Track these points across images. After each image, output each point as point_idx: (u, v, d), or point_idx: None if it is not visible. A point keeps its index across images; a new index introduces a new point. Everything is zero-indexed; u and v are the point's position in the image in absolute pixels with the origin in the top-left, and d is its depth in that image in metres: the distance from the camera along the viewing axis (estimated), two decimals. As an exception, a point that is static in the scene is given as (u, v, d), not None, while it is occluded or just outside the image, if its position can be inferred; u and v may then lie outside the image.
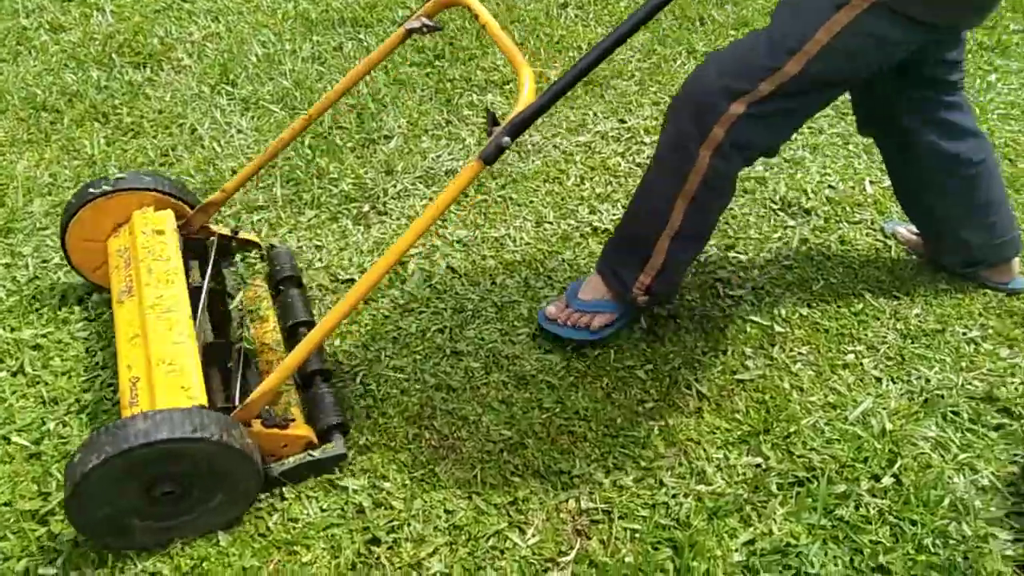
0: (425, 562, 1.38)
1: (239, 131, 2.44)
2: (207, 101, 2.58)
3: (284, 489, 1.47)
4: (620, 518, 1.46)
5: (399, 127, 2.50)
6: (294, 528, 1.42)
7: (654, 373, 1.74)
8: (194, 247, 1.80)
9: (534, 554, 1.41)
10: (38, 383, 1.67)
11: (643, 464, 1.56)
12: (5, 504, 1.45)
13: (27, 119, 2.47)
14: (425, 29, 1.60)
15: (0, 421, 1.59)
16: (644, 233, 1.67)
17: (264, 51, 2.85)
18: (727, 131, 1.49)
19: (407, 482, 1.51)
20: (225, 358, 1.56)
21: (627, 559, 1.39)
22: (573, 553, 1.41)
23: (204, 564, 1.36)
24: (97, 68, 2.71)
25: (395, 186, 2.25)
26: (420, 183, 2.28)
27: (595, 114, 2.62)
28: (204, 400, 1.36)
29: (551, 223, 2.14)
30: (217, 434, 1.26)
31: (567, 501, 1.49)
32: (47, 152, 2.33)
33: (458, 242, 2.08)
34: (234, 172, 2.27)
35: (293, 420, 1.47)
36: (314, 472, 1.49)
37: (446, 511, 1.46)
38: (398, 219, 2.15)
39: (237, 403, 1.43)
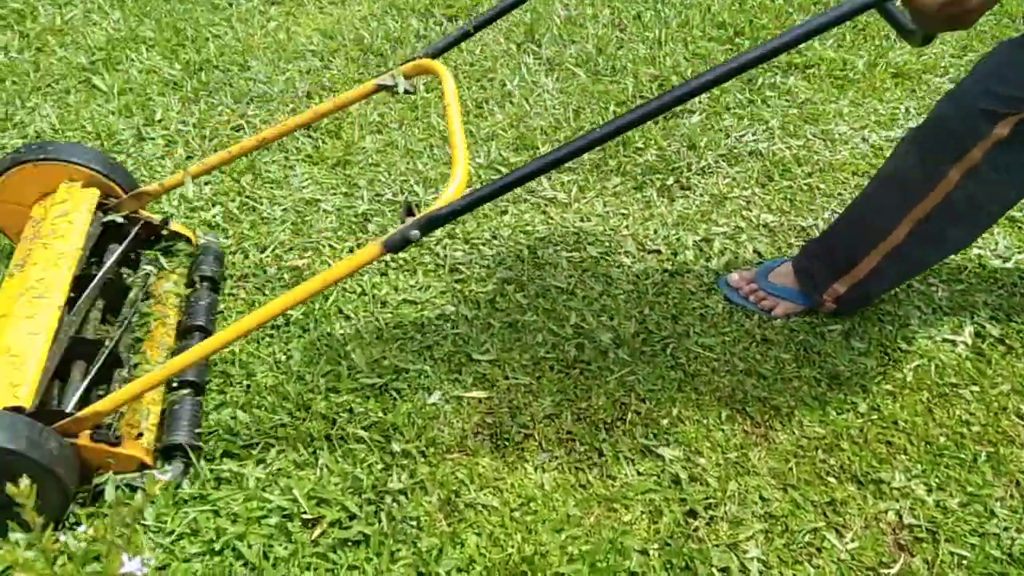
0: (742, 544, 1.38)
1: (545, 91, 2.51)
2: (514, 58, 2.67)
3: (602, 445, 1.52)
4: (946, 541, 1.40)
5: (700, 103, 2.47)
6: (612, 486, 1.47)
7: (980, 395, 1.64)
8: (119, 234, 1.72)
9: (853, 559, 1.37)
10: None
11: (969, 489, 1.47)
12: None
13: (356, 60, 2.66)
14: (395, 88, 1.55)
15: None
16: (856, 244, 1.64)
17: (567, 13, 2.90)
18: (986, 153, 1.39)
19: (721, 462, 1.51)
20: (91, 356, 1.47)
21: (957, 586, 1.33)
22: (896, 567, 1.36)
23: (531, 504, 1.44)
24: (415, 17, 2.88)
25: (699, 162, 2.23)
26: (723, 161, 2.25)
27: (907, 110, 2.46)
28: (28, 403, 1.28)
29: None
30: (13, 443, 1.18)
31: (887, 512, 1.44)
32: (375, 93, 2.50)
33: (764, 226, 2.04)
34: (543, 131, 2.34)
35: (121, 438, 1.38)
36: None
37: (761, 498, 1.46)
38: (701, 195, 2.13)
39: (72, 410, 1.34)
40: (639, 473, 1.49)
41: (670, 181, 2.18)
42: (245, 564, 1.33)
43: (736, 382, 1.65)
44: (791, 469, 1.50)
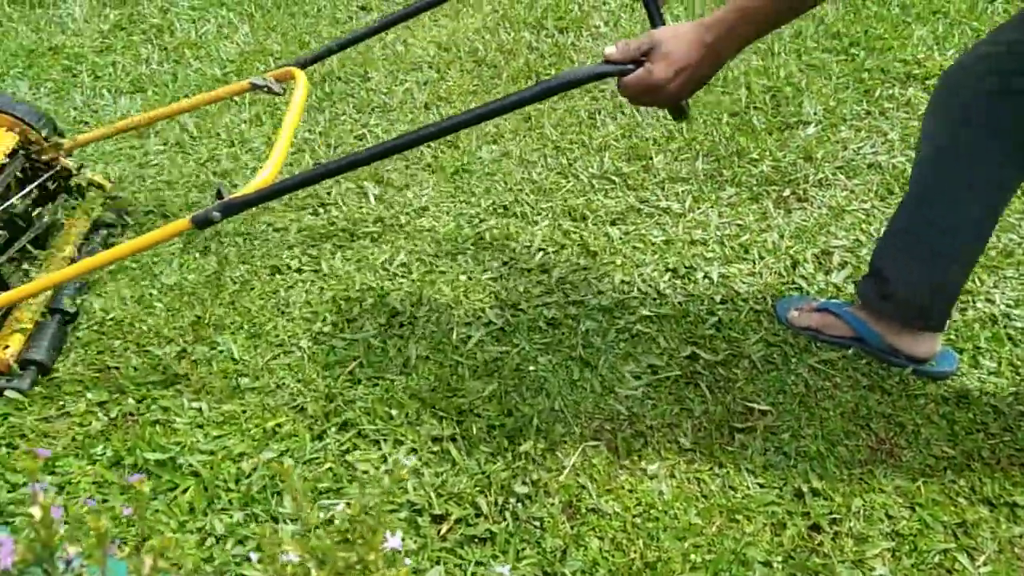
0: (869, 562, 1.37)
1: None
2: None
3: (724, 457, 1.53)
4: (1087, 570, 1.35)
5: (815, 113, 2.44)
6: (734, 496, 1.48)
7: (1122, 421, 1.57)
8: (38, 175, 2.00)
9: (986, 583, 1.34)
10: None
11: (1112, 518, 1.42)
12: None
13: (471, 71, 2.74)
14: (267, 89, 1.80)
15: None
16: None
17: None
18: None
19: (845, 477, 1.50)
20: None
21: (1100, 617, 1.29)
22: (1033, 594, 1.33)
23: (652, 511, 1.46)
24: (528, 30, 2.94)
25: (815, 174, 2.21)
26: (841, 173, 2.22)
27: None
28: None
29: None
30: None
31: (1021, 537, 1.40)
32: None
33: (885, 241, 2.00)
34: (656, 142, 2.36)
35: (7, 347, 1.67)
36: None
37: (888, 516, 1.44)
38: (819, 208, 2.11)
39: None
40: (761, 485, 1.49)
41: (786, 193, 2.16)
42: (379, 554, 1.39)
43: (859, 397, 1.63)
44: (919, 488, 1.48)
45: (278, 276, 2.00)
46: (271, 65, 2.84)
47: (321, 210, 2.20)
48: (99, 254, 1.59)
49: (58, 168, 2.05)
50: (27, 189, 1.95)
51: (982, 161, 1.45)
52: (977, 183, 1.48)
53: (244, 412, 1.66)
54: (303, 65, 1.85)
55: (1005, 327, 1.76)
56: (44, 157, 2.02)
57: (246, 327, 1.86)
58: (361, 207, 2.19)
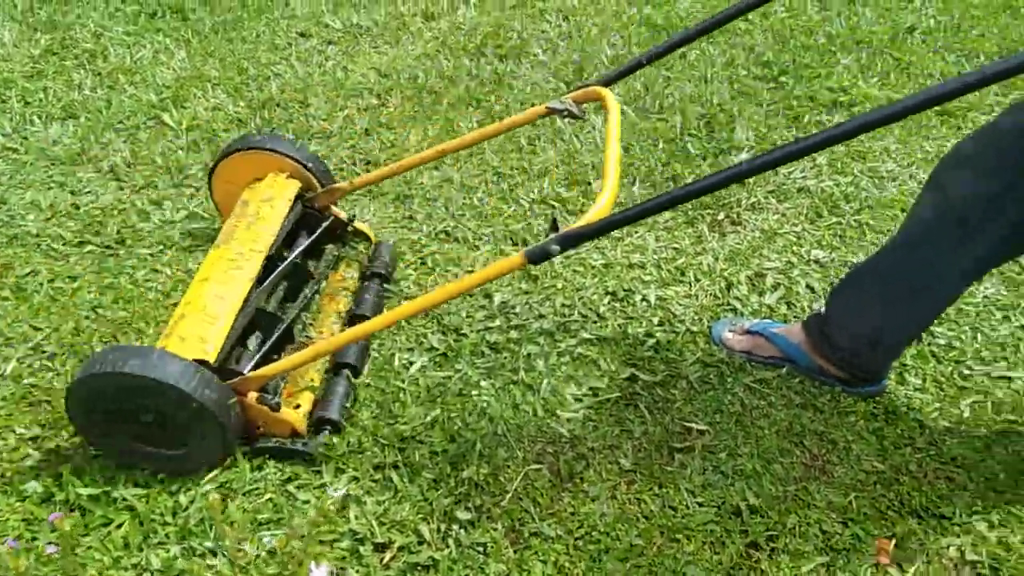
0: (805, 577, 1.40)
1: (595, 128, 2.57)
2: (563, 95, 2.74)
3: (663, 477, 1.55)
4: (1010, 577, 1.41)
5: (747, 139, 2.52)
6: (674, 516, 1.50)
7: (1039, 432, 1.65)
8: (312, 222, 1.93)
9: (916, 594, 1.39)
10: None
11: (1032, 526, 1.48)
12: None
13: (412, 97, 2.76)
14: (566, 113, 1.65)
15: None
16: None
17: (613, 52, 2.98)
18: None
19: (780, 494, 1.53)
20: (269, 327, 1.64)
21: (1022, 623, 1.34)
22: (960, 603, 1.37)
23: (594, 533, 1.47)
24: (467, 57, 2.97)
25: (748, 198, 2.28)
26: (772, 197, 2.29)
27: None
28: (212, 357, 1.47)
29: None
30: (192, 388, 1.37)
31: (948, 548, 1.45)
32: (430, 129, 2.59)
33: (815, 262, 2.07)
34: (594, 167, 2.40)
35: (280, 404, 1.53)
36: (288, 458, 1.57)
37: (822, 531, 1.48)
38: (752, 231, 2.17)
39: (246, 372, 1.51)
40: (700, 504, 1.52)
41: (721, 216, 2.22)
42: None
43: (793, 415, 1.68)
44: (851, 503, 1.52)
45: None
46: (208, 91, 2.81)
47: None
48: (409, 303, 1.43)
49: (332, 217, 1.96)
50: (308, 240, 1.87)
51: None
52: (979, 246, 1.44)
53: (180, 444, 1.63)
54: (607, 83, 1.70)
55: (929, 345, 1.83)
56: (317, 204, 1.95)
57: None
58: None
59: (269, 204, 1.82)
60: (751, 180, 2.33)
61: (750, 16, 3.22)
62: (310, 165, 1.92)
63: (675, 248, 2.12)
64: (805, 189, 2.32)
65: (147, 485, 1.53)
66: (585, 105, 1.69)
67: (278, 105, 2.73)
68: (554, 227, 1.32)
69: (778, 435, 1.64)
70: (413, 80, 2.85)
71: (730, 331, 1.82)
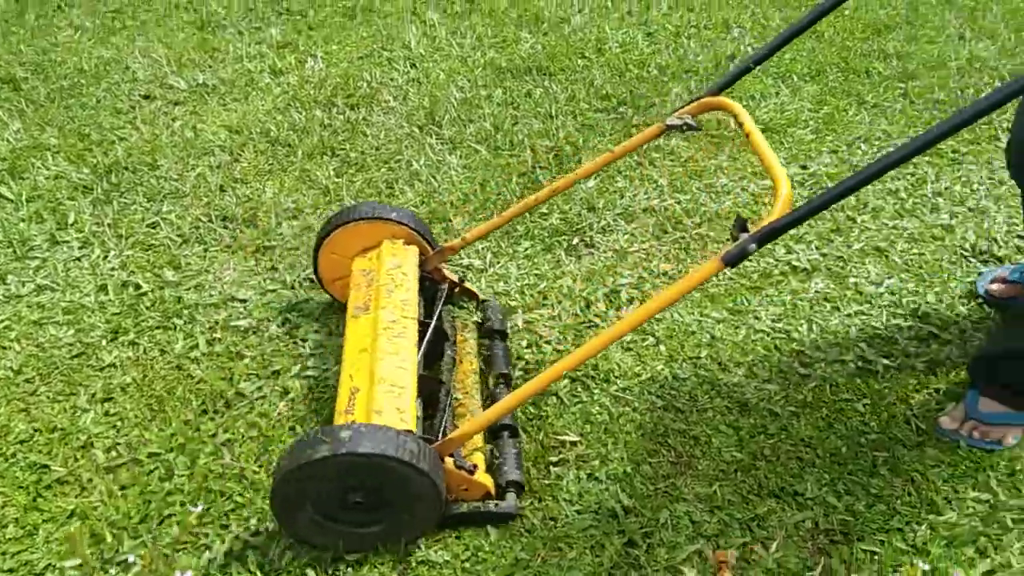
0: (680, 567, 1.49)
1: (451, 167, 2.66)
2: (418, 140, 2.82)
3: (543, 491, 1.61)
4: (858, 540, 1.54)
5: (594, 167, 2.67)
6: (555, 527, 1.56)
7: (872, 407, 1.82)
8: (425, 284, 1.94)
9: (779, 567, 1.50)
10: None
11: (873, 492, 1.63)
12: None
13: (265, 151, 2.76)
14: (684, 128, 1.65)
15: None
16: None
17: (462, 96, 3.09)
18: None
19: (651, 492, 1.63)
20: (433, 392, 1.65)
21: (872, 578, 1.47)
22: (818, 569, 1.49)
23: (480, 554, 1.51)
24: (319, 108, 3.00)
25: (599, 222, 2.41)
26: (621, 219, 2.43)
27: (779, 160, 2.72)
28: (413, 426, 1.46)
29: (749, 261, 2.25)
30: (420, 461, 1.36)
31: (804, 521, 1.58)
32: (287, 181, 2.60)
33: (664, 274, 2.21)
34: (453, 205, 2.48)
35: (476, 467, 1.53)
36: (482, 522, 1.56)
37: (692, 521, 1.57)
38: (604, 251, 2.30)
39: (438, 438, 1.50)
40: (578, 512, 1.59)
41: (575, 241, 2.34)
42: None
43: (656, 418, 1.79)
44: (716, 492, 1.63)
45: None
46: (48, 159, 2.71)
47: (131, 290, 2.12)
48: (577, 352, 1.44)
49: (448, 280, 1.98)
50: (440, 303, 1.87)
51: None
52: None
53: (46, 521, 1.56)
54: (719, 91, 1.68)
55: (772, 338, 1.99)
56: (428, 267, 1.94)
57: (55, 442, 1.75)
58: (163, 288, 2.14)
59: (400, 271, 1.82)
60: (600, 205, 2.47)
61: (586, 53, 3.42)
62: (420, 230, 1.94)
63: (536, 274, 2.22)
64: (650, 209, 2.48)
65: (11, 571, 1.46)
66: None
67: (126, 168, 2.67)
68: (743, 227, 1.31)
69: (644, 437, 1.74)
70: (266, 134, 2.86)
71: (992, 282, 2.04)
